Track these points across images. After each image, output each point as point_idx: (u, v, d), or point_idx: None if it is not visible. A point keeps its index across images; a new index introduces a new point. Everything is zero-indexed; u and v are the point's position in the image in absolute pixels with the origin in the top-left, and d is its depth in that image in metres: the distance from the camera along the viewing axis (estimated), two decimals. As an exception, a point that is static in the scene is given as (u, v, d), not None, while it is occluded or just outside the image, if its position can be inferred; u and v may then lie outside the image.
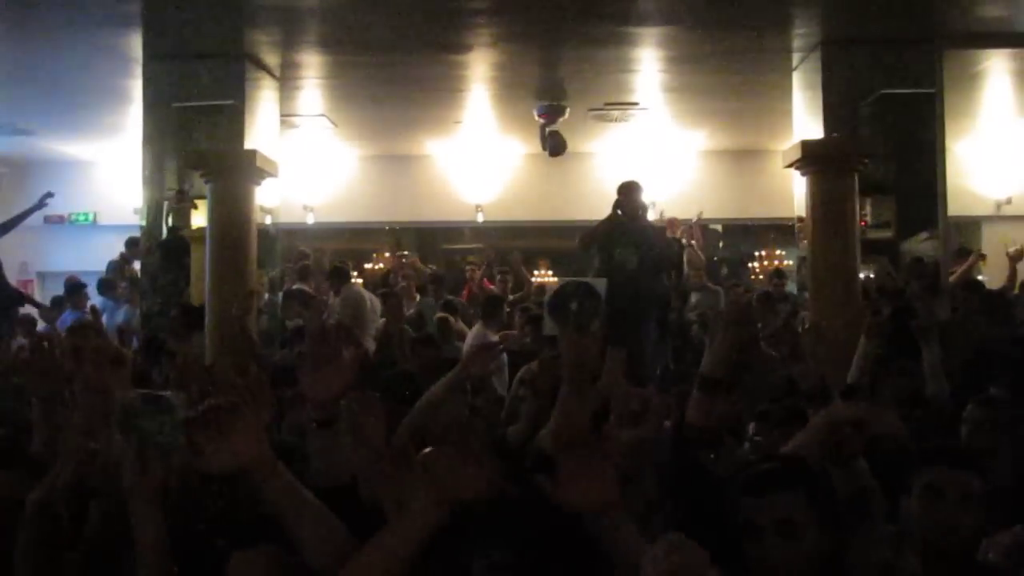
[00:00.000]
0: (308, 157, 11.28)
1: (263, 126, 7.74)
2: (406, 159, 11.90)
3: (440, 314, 7.77)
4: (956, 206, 8.13)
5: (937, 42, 7.24)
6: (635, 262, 6.52)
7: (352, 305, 7.82)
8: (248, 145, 7.29)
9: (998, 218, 11.43)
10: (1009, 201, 11.60)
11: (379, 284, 10.22)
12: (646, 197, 6.94)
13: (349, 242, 13.20)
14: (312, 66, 8.09)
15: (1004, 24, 7.31)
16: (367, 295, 8.23)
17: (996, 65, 8.35)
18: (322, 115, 9.65)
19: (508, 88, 8.89)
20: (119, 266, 9.83)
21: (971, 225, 11.29)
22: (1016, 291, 8.42)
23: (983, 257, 9.43)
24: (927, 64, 7.24)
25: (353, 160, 11.91)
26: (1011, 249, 8.89)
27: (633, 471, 2.12)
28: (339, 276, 8.16)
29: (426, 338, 5.57)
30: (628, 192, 6.82)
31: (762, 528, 2.00)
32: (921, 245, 7.40)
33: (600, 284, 2.54)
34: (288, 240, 10.09)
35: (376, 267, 12.42)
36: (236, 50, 7.32)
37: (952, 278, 8.06)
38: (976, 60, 8.02)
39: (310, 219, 11.93)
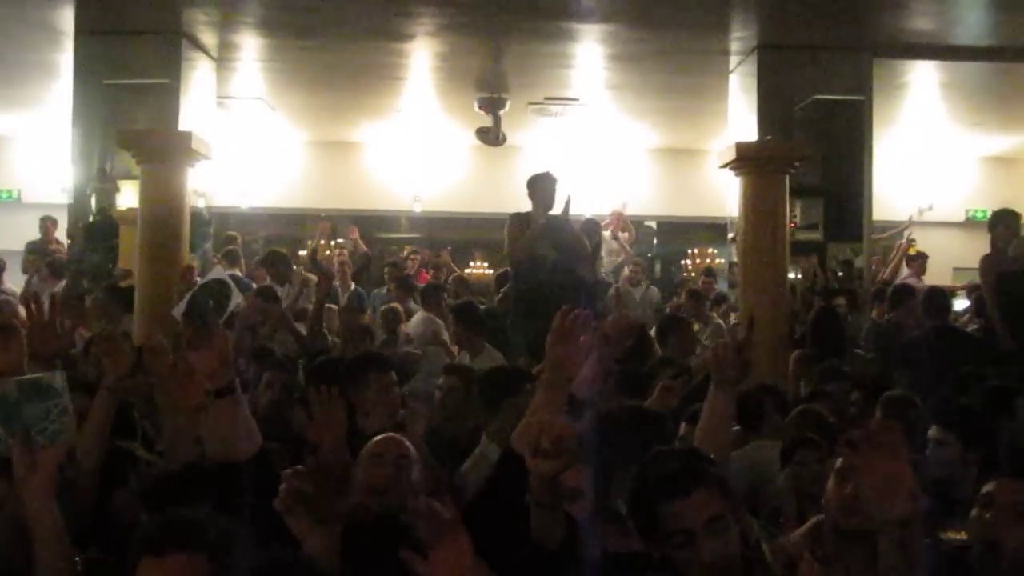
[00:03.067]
0: (244, 141, 11.10)
1: (198, 107, 7.60)
2: (344, 146, 11.79)
3: (391, 305, 7.69)
4: (881, 211, 8.40)
5: (868, 51, 7.46)
6: (553, 255, 6.33)
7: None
8: (183, 126, 7.15)
9: (920, 224, 11.83)
10: (931, 207, 12.02)
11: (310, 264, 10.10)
12: (561, 189, 6.65)
13: (284, 228, 13.03)
14: (251, 48, 7.96)
15: (932, 36, 7.57)
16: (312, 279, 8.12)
17: (923, 75, 8.63)
18: (259, 98, 9.50)
19: (449, 78, 8.87)
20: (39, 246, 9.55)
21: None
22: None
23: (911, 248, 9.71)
24: (858, 72, 7.45)
25: (290, 145, 11.76)
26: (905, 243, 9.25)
27: (549, 500, 2.08)
28: (281, 262, 7.95)
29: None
30: (537, 185, 6.58)
31: (694, 532, 1.92)
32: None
33: None
34: (220, 224, 9.94)
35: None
36: (172, 28, 7.16)
37: (883, 276, 8.37)
38: (905, 70, 8.27)
39: (244, 203, 11.74)
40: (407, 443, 2.88)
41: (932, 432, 3.28)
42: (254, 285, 8.23)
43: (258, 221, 12.36)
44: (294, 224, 13.17)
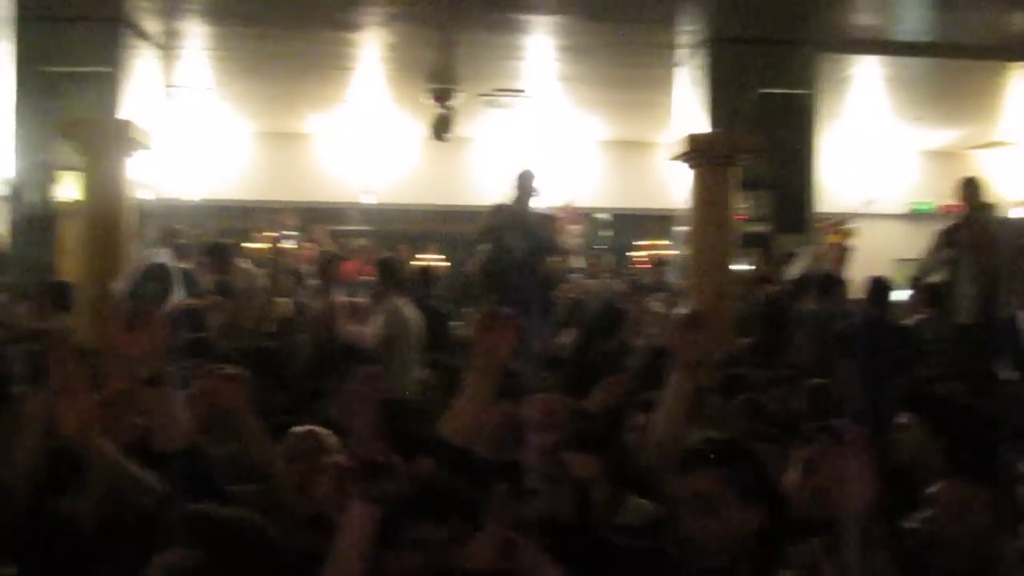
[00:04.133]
0: (192, 131, 10.91)
1: (139, 96, 7.44)
2: (294, 137, 11.65)
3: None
4: (826, 203, 8.55)
5: (814, 46, 7.58)
6: (521, 248, 6.53)
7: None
8: (122, 115, 7.00)
9: (864, 215, 12.06)
10: (874, 200, 12.27)
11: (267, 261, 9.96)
12: (536, 184, 6.94)
13: (232, 220, 12.84)
14: (197, 36, 7.84)
15: (876, 32, 7.72)
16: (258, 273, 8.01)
17: (867, 70, 8.79)
18: (207, 88, 9.35)
19: (399, 69, 8.82)
20: None
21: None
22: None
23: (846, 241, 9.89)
24: (804, 66, 7.57)
25: (239, 136, 11.58)
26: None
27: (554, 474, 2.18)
28: (221, 253, 7.81)
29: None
30: (522, 180, 6.81)
31: (682, 501, 2.11)
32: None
33: None
34: (168, 217, 9.74)
35: (260, 247, 12.12)
36: (112, 15, 7.01)
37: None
38: (849, 64, 8.42)
39: (192, 196, 11.53)
40: (329, 437, 2.85)
41: (900, 417, 3.35)
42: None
43: (206, 214, 12.15)
44: (242, 217, 12.98)
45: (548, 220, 6.97)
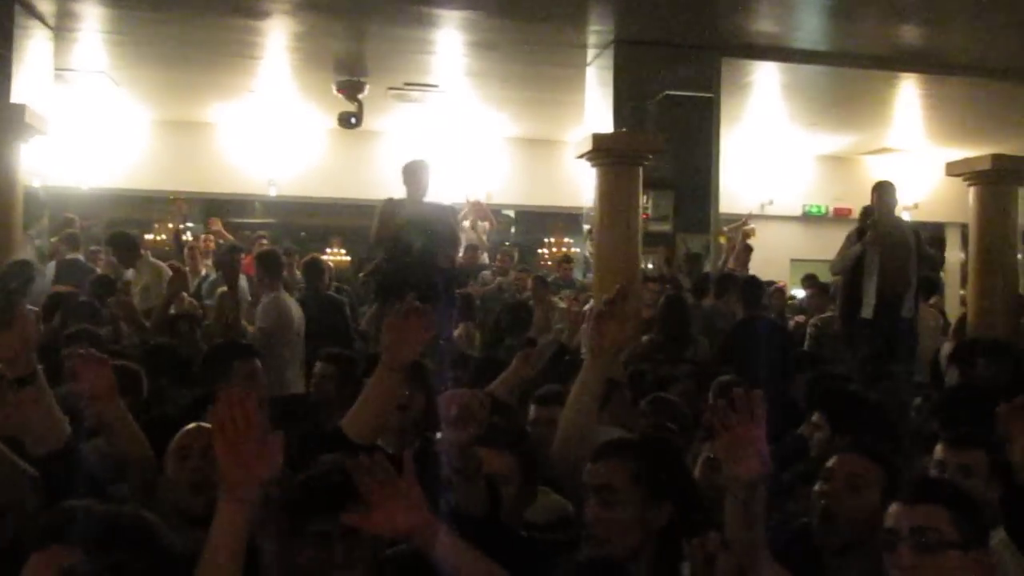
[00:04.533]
0: (86, 117, 10.51)
1: (34, 79, 7.14)
2: (195, 126, 11.32)
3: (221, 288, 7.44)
4: (726, 204, 8.80)
5: (717, 50, 7.79)
6: (420, 242, 6.27)
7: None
8: (15, 99, 6.70)
9: (762, 217, 12.45)
10: (771, 202, 12.69)
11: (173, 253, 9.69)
12: (435, 177, 6.68)
13: (128, 211, 12.42)
14: (91, 17, 7.54)
15: (776, 39, 7.98)
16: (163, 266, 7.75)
17: (767, 76, 9.08)
18: (102, 72, 9.02)
19: (307, 60, 8.68)
20: None
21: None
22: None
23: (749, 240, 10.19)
24: (707, 70, 7.77)
25: (136, 123, 11.19)
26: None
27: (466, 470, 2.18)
28: (127, 245, 7.51)
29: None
30: (415, 172, 6.55)
31: (587, 489, 2.18)
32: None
33: None
34: (58, 205, 9.37)
35: (158, 238, 11.77)
36: (5, -7, 6.71)
37: (731, 266, 8.77)
38: (750, 70, 8.68)
39: (84, 184, 11.10)
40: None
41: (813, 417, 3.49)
42: (98, 270, 7.82)
43: (100, 203, 11.72)
44: (139, 207, 12.57)
45: (447, 212, 6.69)
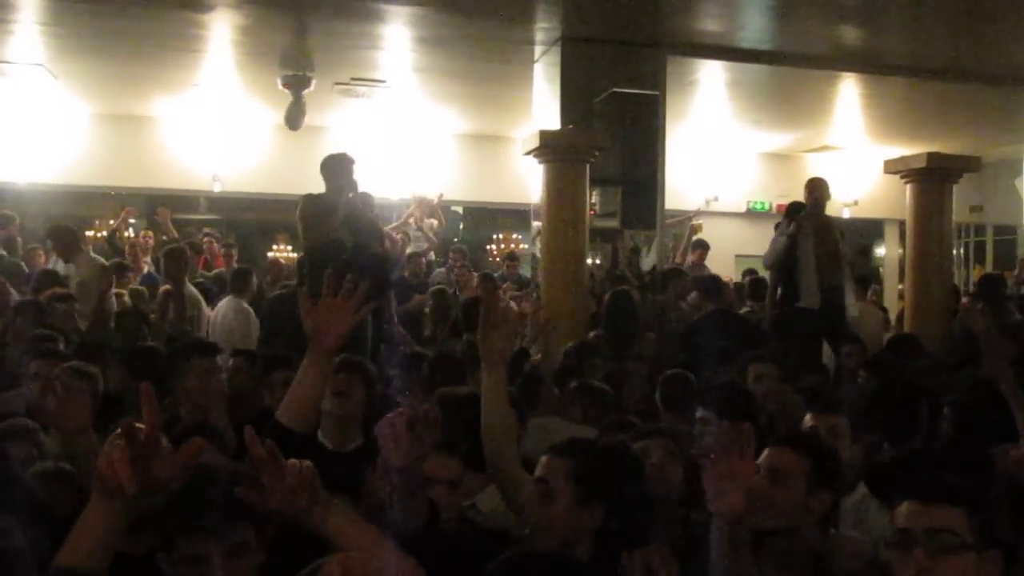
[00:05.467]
0: (22, 111, 10.25)
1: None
2: (137, 120, 11.09)
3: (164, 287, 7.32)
4: (673, 201, 8.90)
5: (663, 48, 7.86)
6: (351, 239, 6.17)
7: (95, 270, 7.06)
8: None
9: (707, 213, 12.62)
10: (716, 198, 12.86)
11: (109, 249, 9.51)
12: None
13: (67, 207, 12.15)
14: (26, 7, 7.35)
15: (721, 38, 8.08)
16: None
17: (712, 74, 9.19)
18: (39, 64, 8.80)
19: (252, 54, 8.57)
20: None
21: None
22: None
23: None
24: (653, 68, 7.84)
25: (76, 117, 10.93)
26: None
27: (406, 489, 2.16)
28: (68, 238, 7.30)
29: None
30: (333, 166, 6.32)
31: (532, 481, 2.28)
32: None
33: None
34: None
35: (99, 235, 11.53)
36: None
37: (677, 261, 8.92)
38: (695, 68, 8.78)
39: (21, 179, 10.82)
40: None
41: (698, 412, 3.54)
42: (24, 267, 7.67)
43: (38, 199, 11.44)
44: (79, 203, 12.31)
45: (368, 203, 6.53)
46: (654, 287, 7.56)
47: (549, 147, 6.86)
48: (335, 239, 6.10)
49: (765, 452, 2.50)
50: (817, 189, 7.05)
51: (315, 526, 1.78)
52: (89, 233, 11.47)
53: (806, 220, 6.87)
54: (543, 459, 2.32)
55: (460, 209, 13.30)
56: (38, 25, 7.76)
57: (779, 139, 12.38)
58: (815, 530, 2.40)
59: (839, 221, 7.30)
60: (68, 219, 10.91)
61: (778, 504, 2.34)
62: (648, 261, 8.05)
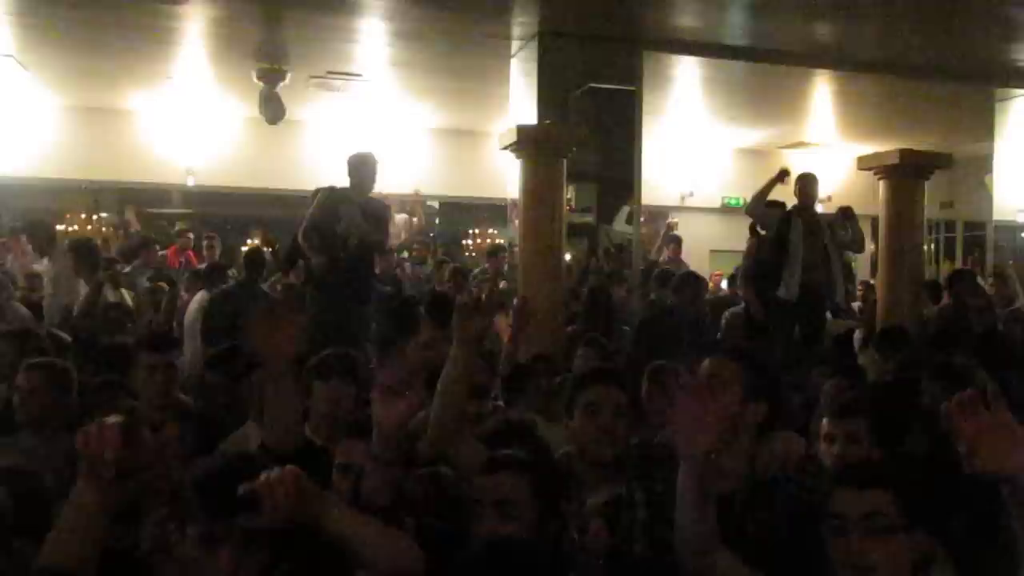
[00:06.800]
0: (-9, 102, 10.12)
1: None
2: (109, 113, 10.96)
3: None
4: (649, 196, 8.92)
5: (639, 44, 7.88)
6: (357, 237, 6.22)
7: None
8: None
9: (682, 208, 12.69)
10: (692, 194, 12.93)
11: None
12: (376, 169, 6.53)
13: (38, 200, 12.00)
14: (-2, -1, 7.25)
15: (698, 34, 8.11)
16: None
17: (689, 70, 9.23)
18: (9, 55, 8.67)
19: (226, 46, 8.50)
20: None
21: (660, 214, 12.44)
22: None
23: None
24: (630, 63, 7.86)
25: (48, 109, 10.79)
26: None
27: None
28: (43, 232, 7.21)
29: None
30: (363, 165, 6.37)
31: (483, 504, 2.21)
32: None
33: None
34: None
35: (70, 229, 11.41)
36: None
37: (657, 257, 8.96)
38: (672, 64, 8.81)
39: (-8, 171, 10.68)
40: None
41: None
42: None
43: (8, 192, 11.29)
44: (50, 196, 12.15)
45: (385, 212, 6.59)
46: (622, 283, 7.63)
47: (526, 142, 6.84)
48: (341, 237, 6.12)
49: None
50: (808, 186, 7.11)
51: (315, 524, 1.81)
52: (61, 227, 11.33)
53: (796, 215, 6.96)
54: (489, 479, 2.25)
55: (436, 204, 13.25)
56: (6, 15, 7.65)
57: (754, 135, 12.46)
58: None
59: (827, 216, 7.36)
60: (39, 212, 10.80)
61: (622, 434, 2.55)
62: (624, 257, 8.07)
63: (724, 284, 10.72)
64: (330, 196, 6.31)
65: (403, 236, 10.27)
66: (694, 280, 6.96)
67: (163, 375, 3.71)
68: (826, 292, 6.94)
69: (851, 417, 3.15)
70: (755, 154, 13.25)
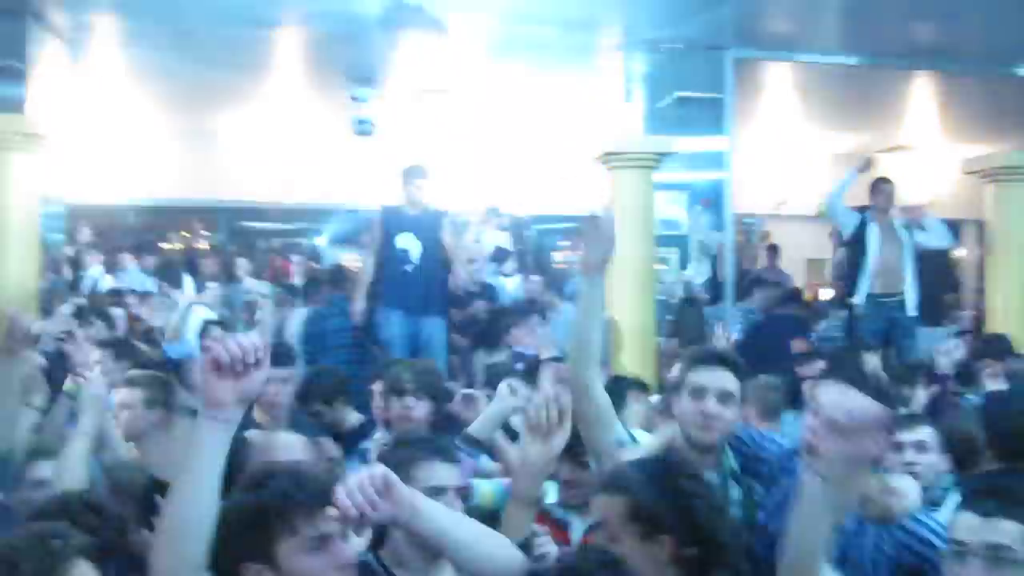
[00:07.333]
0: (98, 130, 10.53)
1: (44, 91, 7.18)
2: (206, 133, 11.28)
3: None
4: (741, 204, 8.77)
5: (730, 50, 7.76)
6: (419, 251, 6.13)
7: None
8: (28, 110, 6.77)
9: (777, 216, 12.41)
10: (786, 201, 12.62)
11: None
12: (445, 183, 6.45)
13: (143, 220, 12.45)
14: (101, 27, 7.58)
15: (790, 38, 7.96)
16: None
17: (780, 75, 9.04)
18: (121, 78, 9.07)
19: (320, 64, 8.68)
20: None
21: (752, 223, 12.18)
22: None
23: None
24: (720, 70, 7.75)
25: (155, 132, 11.17)
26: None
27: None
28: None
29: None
30: (415, 176, 6.27)
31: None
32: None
33: None
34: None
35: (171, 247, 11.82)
36: (21, 7, 6.73)
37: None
38: (763, 69, 8.64)
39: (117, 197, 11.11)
40: None
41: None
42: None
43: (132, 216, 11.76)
44: (158, 217, 12.63)
45: (439, 219, 6.37)
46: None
47: (616, 153, 6.81)
48: (400, 252, 6.11)
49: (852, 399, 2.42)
50: (884, 191, 6.92)
51: (408, 525, 1.79)
52: (164, 246, 11.75)
53: (872, 219, 6.79)
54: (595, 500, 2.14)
55: (526, 216, 13.24)
56: (121, 40, 7.97)
57: (851, 139, 12.10)
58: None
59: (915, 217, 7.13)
60: (146, 232, 11.23)
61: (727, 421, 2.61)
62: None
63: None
64: (385, 215, 6.31)
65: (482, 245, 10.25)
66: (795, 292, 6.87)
67: (275, 388, 3.80)
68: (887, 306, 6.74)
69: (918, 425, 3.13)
70: (852, 159, 12.83)
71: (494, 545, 1.92)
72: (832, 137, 11.94)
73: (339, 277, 7.02)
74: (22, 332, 3.19)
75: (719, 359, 2.75)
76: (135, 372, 3.80)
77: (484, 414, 3.18)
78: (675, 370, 5.09)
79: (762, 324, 6.67)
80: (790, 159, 12.50)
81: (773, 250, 9.89)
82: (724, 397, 2.63)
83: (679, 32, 7.46)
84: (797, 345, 5.87)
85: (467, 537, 1.86)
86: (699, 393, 2.63)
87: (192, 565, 1.69)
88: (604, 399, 2.71)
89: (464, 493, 2.55)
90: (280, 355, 3.97)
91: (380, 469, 1.76)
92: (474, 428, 3.11)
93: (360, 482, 1.71)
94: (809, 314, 7.63)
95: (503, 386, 3.17)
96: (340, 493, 1.69)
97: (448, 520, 1.86)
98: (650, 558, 1.97)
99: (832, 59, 8.21)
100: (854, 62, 8.23)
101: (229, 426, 1.76)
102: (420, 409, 3.45)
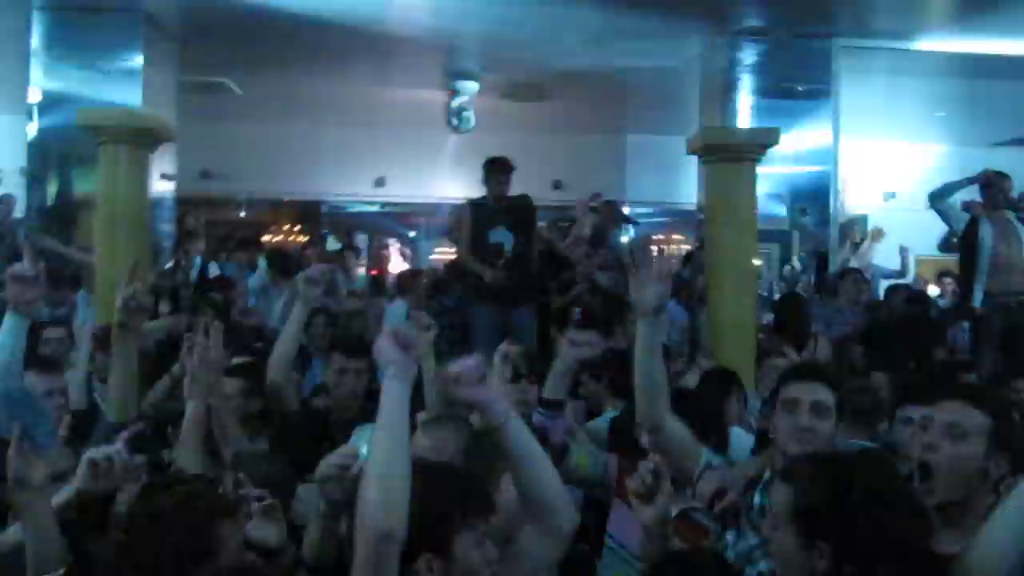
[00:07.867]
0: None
1: (161, 89, 7.44)
2: (300, 132, 11.56)
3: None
4: (847, 199, 8.50)
5: (836, 39, 7.52)
6: (511, 244, 6.21)
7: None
8: (146, 108, 7.03)
9: (884, 210, 11.98)
10: (895, 196, 12.19)
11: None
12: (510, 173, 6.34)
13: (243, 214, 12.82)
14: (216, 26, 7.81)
15: (898, 27, 7.65)
16: None
17: (888, 65, 8.70)
18: (223, 79, 9.35)
19: (416, 59, 8.76)
20: None
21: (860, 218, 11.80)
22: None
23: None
24: (826, 60, 7.51)
25: (253, 129, 11.48)
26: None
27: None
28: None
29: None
30: (498, 169, 6.34)
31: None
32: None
33: None
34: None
35: (273, 240, 12.14)
36: (136, 7, 7.01)
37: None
38: (871, 58, 8.33)
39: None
40: None
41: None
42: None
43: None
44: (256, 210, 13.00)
45: (527, 210, 6.43)
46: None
47: (714, 146, 6.68)
48: (493, 245, 6.16)
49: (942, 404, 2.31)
50: (999, 186, 6.63)
51: (496, 421, 2.10)
52: (266, 238, 12.06)
53: (985, 216, 6.51)
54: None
55: (626, 209, 13.15)
56: (224, 43, 8.22)
57: (962, 132, 11.60)
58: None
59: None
60: (247, 226, 11.55)
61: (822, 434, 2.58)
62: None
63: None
64: (471, 209, 6.40)
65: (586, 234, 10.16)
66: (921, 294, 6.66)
67: (351, 378, 3.88)
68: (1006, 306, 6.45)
69: None
70: (963, 152, 12.31)
71: (560, 484, 2.18)
72: (941, 129, 11.50)
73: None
74: (137, 307, 3.30)
75: (813, 372, 2.75)
76: (237, 361, 3.89)
77: (552, 373, 3.22)
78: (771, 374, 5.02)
79: (892, 327, 6.39)
80: (899, 152, 12.08)
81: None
82: (819, 410, 2.58)
83: (784, 19, 7.26)
84: (939, 353, 5.64)
85: (543, 458, 2.14)
86: (792, 406, 2.59)
87: (399, 517, 1.82)
88: (681, 431, 2.79)
89: (563, 448, 2.97)
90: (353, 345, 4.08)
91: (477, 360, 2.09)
92: (548, 390, 3.19)
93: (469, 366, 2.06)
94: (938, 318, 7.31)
95: (564, 341, 3.24)
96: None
97: (531, 439, 2.14)
98: (805, 564, 1.87)
99: (946, 44, 7.85)
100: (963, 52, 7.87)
101: (410, 380, 1.98)
102: (532, 393, 3.38)
